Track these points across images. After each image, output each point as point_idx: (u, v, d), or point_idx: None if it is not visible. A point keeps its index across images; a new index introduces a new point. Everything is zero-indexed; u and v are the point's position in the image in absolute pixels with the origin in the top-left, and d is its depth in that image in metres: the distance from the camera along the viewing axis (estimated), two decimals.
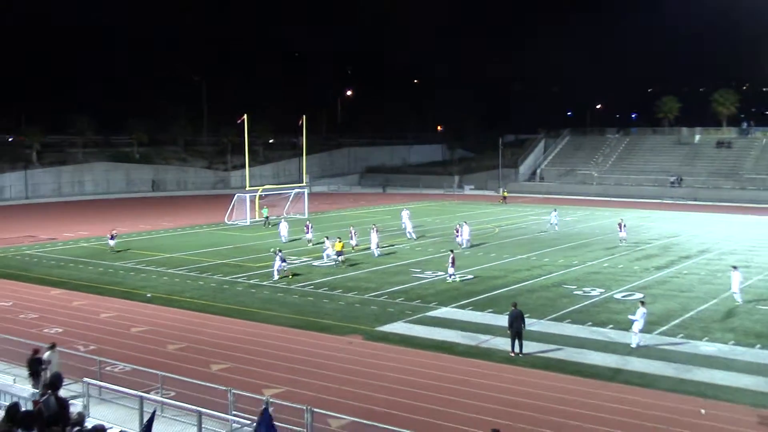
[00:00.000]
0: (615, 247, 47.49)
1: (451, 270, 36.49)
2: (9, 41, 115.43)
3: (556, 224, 56.12)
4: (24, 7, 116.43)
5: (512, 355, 24.54)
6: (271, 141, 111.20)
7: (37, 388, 18.88)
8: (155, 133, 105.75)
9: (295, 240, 49.68)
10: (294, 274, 37.79)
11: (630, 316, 26.14)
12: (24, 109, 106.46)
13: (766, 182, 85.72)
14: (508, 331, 25.00)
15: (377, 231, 46.41)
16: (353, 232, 48.03)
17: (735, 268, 33.30)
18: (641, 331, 25.50)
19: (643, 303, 26.29)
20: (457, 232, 48.31)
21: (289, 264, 38.66)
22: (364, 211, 71.76)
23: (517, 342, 24.70)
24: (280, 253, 38.30)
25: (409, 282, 36.39)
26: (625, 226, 49.60)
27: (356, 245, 46.63)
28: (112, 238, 46.32)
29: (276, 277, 37.04)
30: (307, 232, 48.92)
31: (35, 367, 19.64)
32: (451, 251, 38.32)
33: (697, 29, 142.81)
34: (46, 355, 19.84)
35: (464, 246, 47.24)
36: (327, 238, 44.05)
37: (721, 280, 36.98)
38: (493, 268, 40.38)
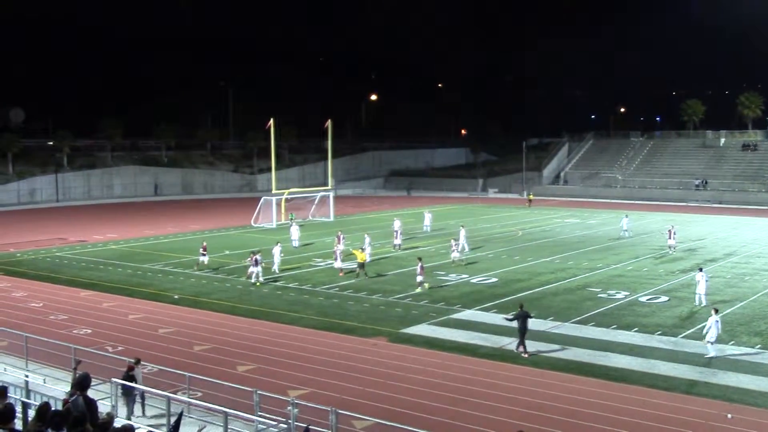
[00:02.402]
0: (639, 249, 47.27)
1: (419, 278, 35.28)
2: (39, 46, 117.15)
3: (627, 230, 54.03)
4: (53, 10, 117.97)
5: (519, 351, 24.93)
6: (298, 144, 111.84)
7: (131, 412, 18.55)
8: (183, 138, 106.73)
9: (307, 245, 49.73)
10: (260, 283, 36.62)
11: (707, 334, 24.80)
12: (54, 113, 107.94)
13: None
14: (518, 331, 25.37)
15: (400, 233, 48.62)
16: (398, 231, 48.65)
17: (701, 270, 33.05)
18: (715, 341, 24.64)
19: (716, 311, 25.29)
20: (454, 244, 43.28)
21: (262, 270, 37.34)
22: (390, 214, 71.85)
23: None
24: (257, 256, 37.13)
25: (433, 284, 36.45)
26: (675, 233, 47.61)
27: (399, 245, 47.43)
28: (204, 252, 41.06)
29: (253, 279, 36.83)
30: (338, 243, 43.81)
31: (130, 388, 18.79)
32: (419, 259, 36.77)
33: (722, 31, 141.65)
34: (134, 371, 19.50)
35: (466, 251, 45.46)
36: (367, 235, 44.99)
37: (748, 283, 36.76)
38: (516, 271, 40.38)
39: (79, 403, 13.17)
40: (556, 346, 25.65)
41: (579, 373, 23.11)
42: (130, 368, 19.29)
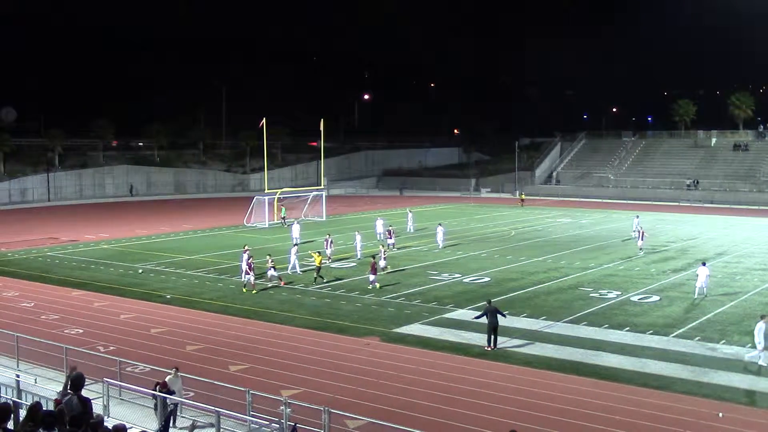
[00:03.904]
0: (631, 249, 47.36)
1: (371, 277, 35.54)
2: (32, 45, 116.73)
3: (637, 230, 52.49)
4: (46, 10, 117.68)
5: (488, 349, 25.25)
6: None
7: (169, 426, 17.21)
8: (175, 137, 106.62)
9: (308, 243, 49.80)
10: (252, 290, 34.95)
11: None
12: (46, 112, 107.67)
13: None
14: (487, 326, 25.71)
15: (393, 233, 48.79)
16: (391, 230, 49.13)
17: (704, 264, 34.19)
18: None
19: (762, 317, 24.23)
20: (382, 251, 41.30)
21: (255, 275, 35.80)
22: (383, 213, 71.85)
23: (493, 336, 25.61)
24: (247, 253, 36.17)
25: (426, 284, 36.52)
26: (644, 235, 47.43)
27: (393, 244, 47.75)
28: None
29: (251, 279, 35.29)
30: (327, 248, 43.64)
31: (163, 400, 17.53)
32: (373, 257, 37.04)
33: (713, 32, 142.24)
34: (168, 378, 18.77)
35: (440, 247, 48.17)
36: (357, 232, 45.67)
37: (739, 282, 36.88)
38: (509, 271, 40.44)
39: (74, 403, 13.11)
40: (549, 346, 25.71)
41: (571, 372, 23.16)
42: (163, 385, 18.13)
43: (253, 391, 18.52)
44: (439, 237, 49.09)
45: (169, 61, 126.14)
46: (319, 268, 37.26)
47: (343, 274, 39.42)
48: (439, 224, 51.05)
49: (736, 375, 22.76)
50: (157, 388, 17.84)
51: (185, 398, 19.48)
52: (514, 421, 18.95)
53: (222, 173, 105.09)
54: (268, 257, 37.94)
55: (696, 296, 32.85)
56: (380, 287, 35.28)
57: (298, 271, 38.98)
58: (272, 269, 36.62)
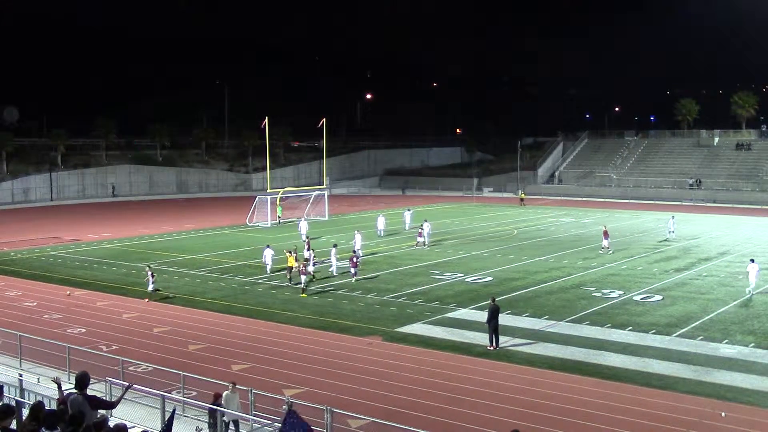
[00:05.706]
0: (640, 248, 47.35)
1: (353, 270, 37.01)
2: (34, 45, 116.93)
3: (674, 231, 52.95)
4: (48, 9, 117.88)
5: (490, 349, 25.26)
6: (296, 144, 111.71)
7: None
8: (178, 136, 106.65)
9: (315, 239, 49.86)
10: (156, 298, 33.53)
11: None
12: (49, 112, 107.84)
13: None
14: (488, 326, 25.70)
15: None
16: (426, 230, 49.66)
17: (752, 261, 34.75)
18: None
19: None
20: (307, 253, 39.91)
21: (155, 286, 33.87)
22: (385, 213, 71.83)
23: (495, 336, 25.63)
24: (151, 272, 33.94)
25: (428, 283, 36.52)
26: (607, 232, 47.44)
27: (424, 242, 48.46)
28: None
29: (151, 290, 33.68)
30: (307, 249, 40.94)
31: (216, 414, 17.02)
32: (354, 252, 38.10)
33: (716, 31, 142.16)
34: (225, 394, 17.88)
35: (426, 244, 48.69)
36: (357, 231, 45.46)
37: (742, 282, 36.72)
38: (511, 270, 40.42)
39: (78, 402, 13.10)
40: (551, 345, 25.70)
41: (574, 371, 23.15)
42: (217, 396, 17.66)
43: (256, 390, 18.56)
44: (426, 233, 49.46)
45: (172, 61, 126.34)
46: (290, 269, 36.81)
47: (344, 273, 39.33)
48: (425, 220, 51.30)
49: (739, 374, 22.74)
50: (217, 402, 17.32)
51: (189, 398, 19.46)
52: (517, 420, 18.95)
53: (224, 173, 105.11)
54: (147, 269, 34.80)
55: (753, 292, 33.37)
56: (356, 281, 36.28)
57: (335, 273, 38.65)
58: (151, 282, 33.65)
